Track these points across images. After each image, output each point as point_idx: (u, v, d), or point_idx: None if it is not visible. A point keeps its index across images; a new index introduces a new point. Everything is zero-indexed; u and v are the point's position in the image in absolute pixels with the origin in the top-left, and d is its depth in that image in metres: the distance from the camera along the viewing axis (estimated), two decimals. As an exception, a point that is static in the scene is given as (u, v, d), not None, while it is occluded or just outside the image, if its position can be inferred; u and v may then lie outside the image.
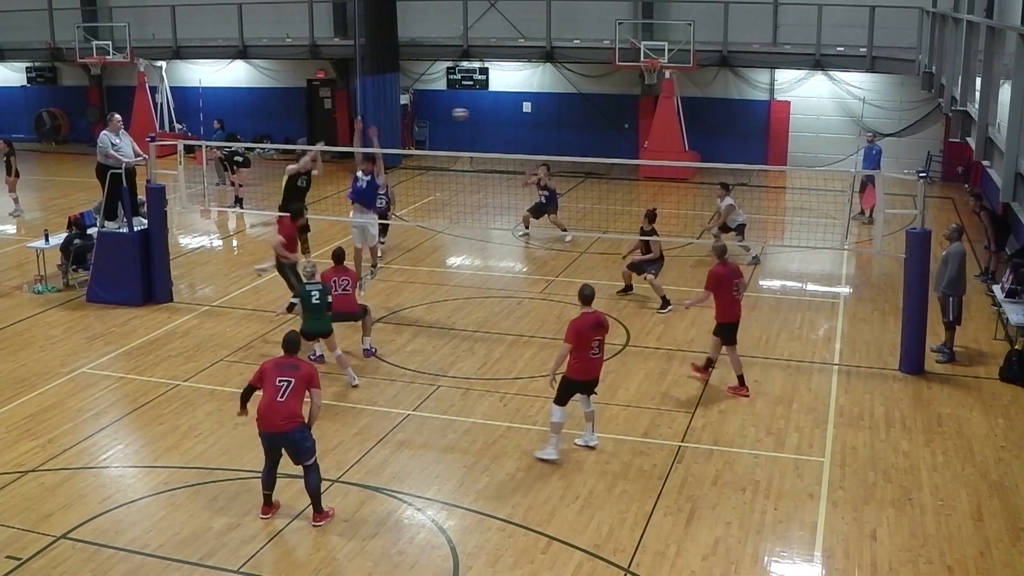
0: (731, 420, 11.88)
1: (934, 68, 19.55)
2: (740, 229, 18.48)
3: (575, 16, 29.02)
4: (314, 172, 16.78)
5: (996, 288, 15.04)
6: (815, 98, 27.79)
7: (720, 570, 8.85)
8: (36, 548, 9.12)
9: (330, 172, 27.79)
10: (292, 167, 16.55)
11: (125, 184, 16.01)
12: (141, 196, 16.47)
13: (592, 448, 11.06)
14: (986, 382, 13.00)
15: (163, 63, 30.83)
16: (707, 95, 28.48)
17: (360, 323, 13.82)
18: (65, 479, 10.45)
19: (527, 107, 30.10)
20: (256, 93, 32.41)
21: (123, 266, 16.06)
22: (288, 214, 15.07)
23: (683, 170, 26.11)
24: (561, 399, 10.72)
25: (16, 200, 22.67)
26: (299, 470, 9.51)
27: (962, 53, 14.70)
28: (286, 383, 9.24)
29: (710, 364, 13.01)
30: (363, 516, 9.73)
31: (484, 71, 30.60)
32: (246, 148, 25.21)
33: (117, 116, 16.77)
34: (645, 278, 15.98)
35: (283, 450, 9.42)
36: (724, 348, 12.78)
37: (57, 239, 17.40)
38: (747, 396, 12.51)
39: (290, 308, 13.07)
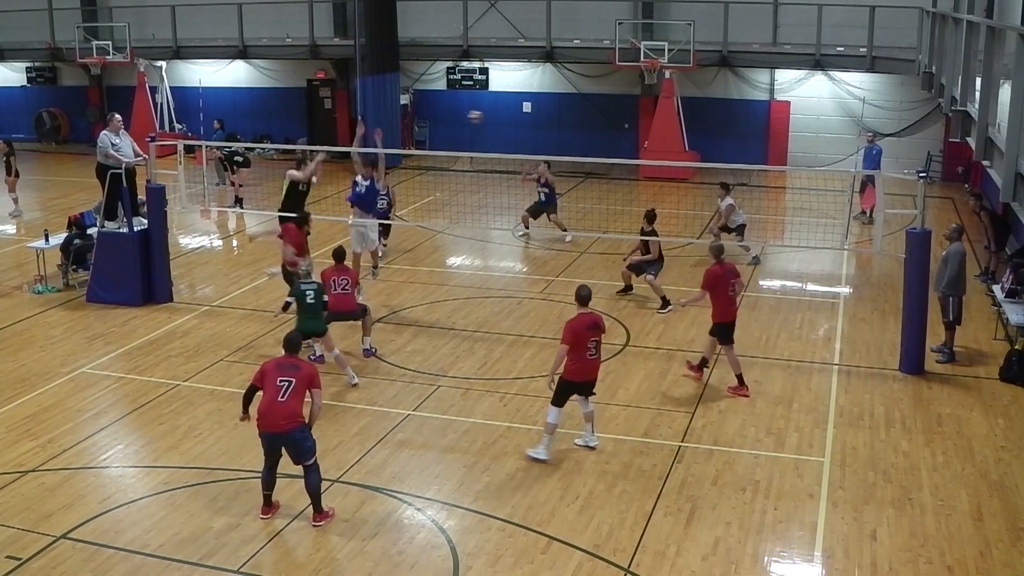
0: (731, 420, 11.88)
1: (934, 68, 19.55)
2: (740, 229, 18.48)
3: (575, 16, 29.02)
4: (313, 180, 16.65)
5: (996, 288, 15.04)
6: (815, 98, 27.79)
7: (720, 570, 8.85)
8: (36, 548, 9.12)
9: (330, 172, 27.81)
10: (295, 174, 16.32)
11: (125, 184, 16.01)
12: (141, 196, 16.47)
13: (592, 448, 11.06)
14: (986, 382, 13.01)
15: (163, 63, 30.83)
16: (707, 95, 28.49)
17: (360, 323, 13.83)
18: (65, 479, 10.45)
19: (527, 107, 30.10)
20: (256, 93, 32.41)
21: (123, 266, 16.06)
22: (293, 221, 14.94)
23: (683, 170, 26.11)
24: (558, 400, 10.72)
25: (16, 200, 22.68)
26: (299, 470, 9.51)
27: (962, 53, 14.70)
28: (287, 383, 9.25)
29: (704, 363, 13.03)
30: (363, 516, 9.73)
31: (484, 71, 30.60)
32: (246, 148, 25.21)
33: (117, 116, 16.76)
34: (645, 278, 15.98)
35: (283, 450, 9.42)
36: (721, 348, 12.79)
37: (57, 239, 17.40)
38: (747, 396, 12.51)
39: (285, 307, 13.07)
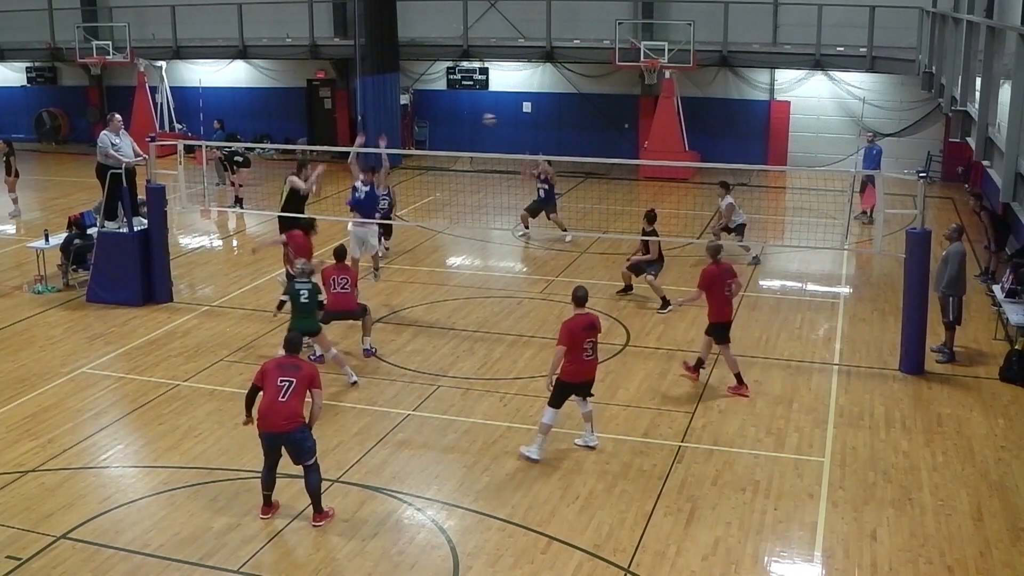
0: (731, 420, 11.88)
1: (934, 68, 19.55)
2: (740, 229, 18.48)
3: (575, 16, 29.02)
4: (313, 189, 16.51)
5: (996, 288, 15.04)
6: (815, 98, 27.79)
7: (720, 570, 8.85)
8: (36, 548, 9.12)
9: (330, 172, 27.69)
10: (297, 182, 16.03)
11: (125, 184, 16.01)
12: (141, 196, 16.47)
13: (592, 448, 11.06)
14: (986, 382, 13.01)
15: (163, 63, 30.84)
16: (707, 95, 28.49)
17: (360, 322, 13.83)
18: (65, 479, 10.45)
19: (527, 107, 30.11)
20: (256, 93, 32.42)
21: (123, 266, 16.06)
22: (299, 226, 14.81)
23: (683, 170, 26.12)
24: (555, 401, 10.72)
25: (15, 200, 22.67)
26: (299, 470, 9.51)
27: (962, 53, 14.70)
28: (288, 383, 9.24)
29: (700, 364, 13.03)
30: (363, 516, 9.73)
31: (484, 71, 30.61)
32: (246, 148, 25.22)
33: (117, 116, 16.76)
34: (645, 279, 15.98)
35: (283, 450, 9.42)
36: (717, 348, 12.79)
37: (57, 239, 17.40)
38: (747, 395, 12.52)
39: (280, 306, 13.06)
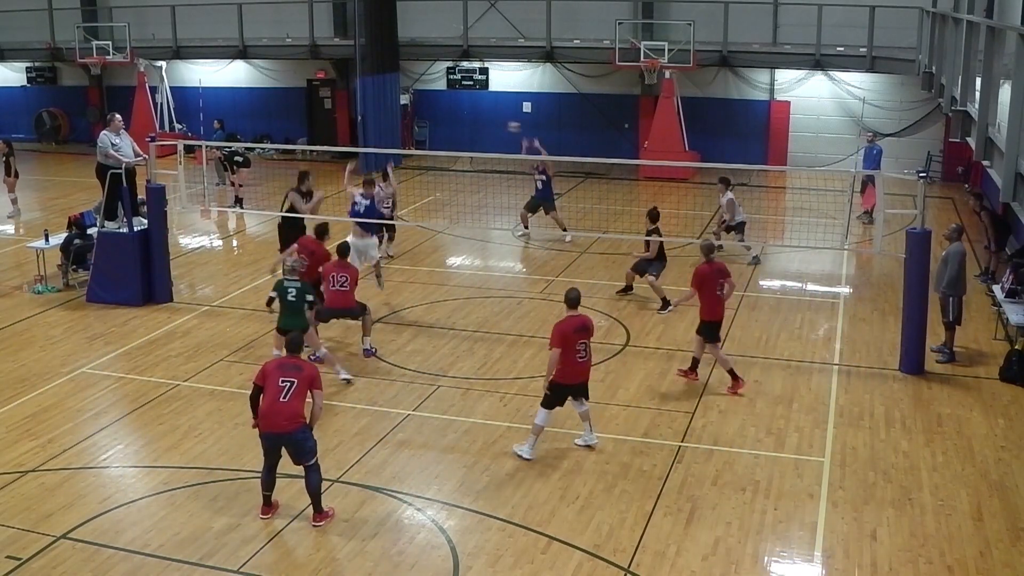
0: (731, 420, 11.88)
1: (934, 68, 19.55)
2: (740, 227, 18.49)
3: (575, 16, 29.02)
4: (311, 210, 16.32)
5: (996, 288, 15.04)
6: (815, 98, 27.80)
7: (720, 570, 8.85)
8: (36, 548, 9.12)
9: (329, 172, 27.86)
10: (298, 205, 15.79)
11: (125, 184, 16.01)
12: (141, 196, 16.47)
13: (592, 447, 11.06)
14: (986, 382, 13.01)
15: (163, 63, 30.85)
16: (707, 95, 28.49)
17: (359, 322, 13.82)
18: (65, 479, 10.45)
19: (527, 107, 30.10)
20: (256, 93, 32.42)
21: (123, 266, 16.06)
22: (315, 232, 14.52)
23: (683, 170, 26.12)
24: (548, 403, 10.72)
25: (15, 201, 22.66)
26: (299, 470, 9.51)
27: (962, 53, 14.70)
28: (289, 383, 9.24)
29: (695, 365, 13.03)
30: (363, 516, 9.73)
31: (484, 71, 30.61)
32: (246, 148, 25.22)
33: (118, 116, 16.77)
34: (646, 279, 15.97)
35: (283, 450, 9.42)
36: (707, 346, 12.80)
37: (57, 239, 17.39)
38: (740, 393, 12.55)
39: (269, 302, 13.04)
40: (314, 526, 9.47)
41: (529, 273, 18.46)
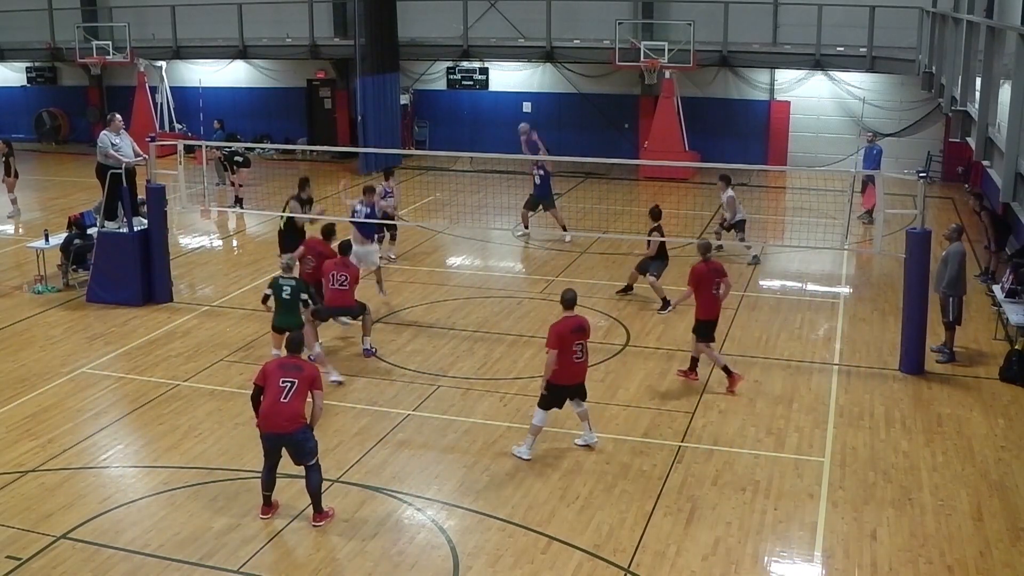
0: (731, 420, 11.88)
1: (934, 68, 19.55)
2: (740, 225, 18.49)
3: (575, 16, 29.02)
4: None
5: (996, 288, 15.04)
6: (815, 98, 27.79)
7: (720, 570, 8.85)
8: (36, 548, 9.12)
9: (329, 172, 27.89)
10: (297, 215, 15.74)
11: (125, 184, 16.01)
12: (141, 196, 16.47)
13: (592, 447, 11.06)
14: (986, 382, 13.01)
15: (163, 63, 30.84)
16: (707, 95, 28.49)
17: (358, 322, 13.81)
18: (65, 479, 10.45)
19: (527, 107, 30.10)
20: (256, 93, 32.42)
21: (123, 266, 16.06)
22: (321, 233, 14.52)
23: (683, 170, 26.12)
24: (545, 403, 10.72)
25: (14, 201, 22.66)
26: (299, 470, 9.51)
27: (962, 53, 14.70)
28: (289, 384, 9.24)
29: (695, 364, 13.04)
30: (363, 516, 9.73)
31: (484, 71, 30.61)
32: (246, 148, 25.22)
33: (118, 116, 16.77)
34: (647, 279, 15.97)
35: (283, 451, 9.42)
36: (699, 345, 12.81)
37: (57, 239, 17.39)
38: (739, 383, 12.61)
39: (265, 299, 13.03)
40: (314, 526, 9.47)
41: (529, 273, 18.45)
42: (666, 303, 15.58)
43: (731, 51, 27.07)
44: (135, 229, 16.00)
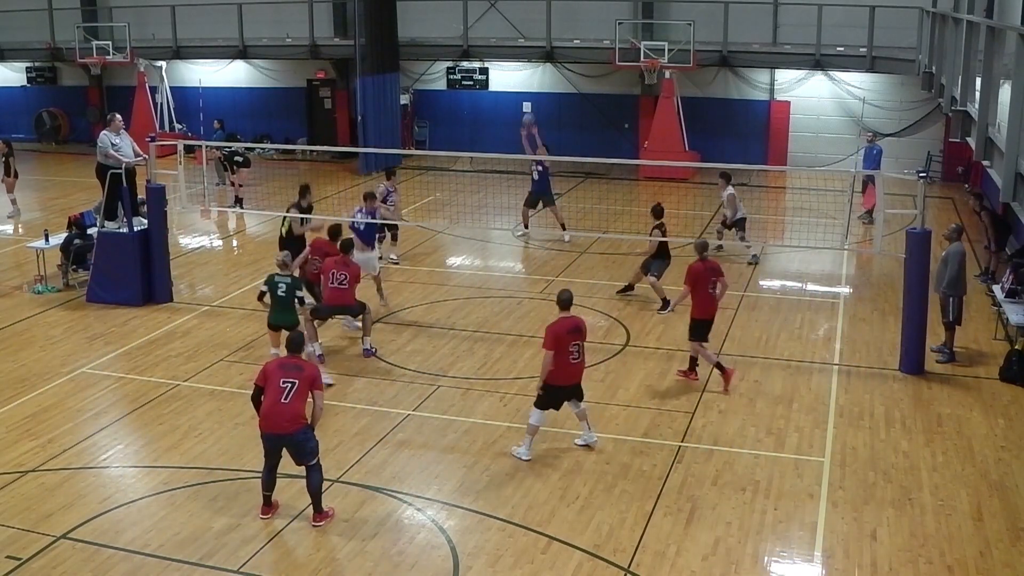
0: (731, 420, 11.88)
1: (934, 68, 19.56)
2: (740, 223, 18.50)
3: (575, 16, 29.02)
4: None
5: (996, 288, 15.04)
6: (815, 98, 27.79)
7: (720, 570, 8.85)
8: (36, 548, 9.12)
9: (328, 172, 27.90)
10: (296, 225, 15.59)
11: (125, 184, 16.01)
12: (141, 196, 16.47)
13: (591, 447, 11.05)
14: (986, 382, 13.01)
15: (163, 63, 30.84)
16: (707, 95, 28.48)
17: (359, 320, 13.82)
18: (65, 479, 10.45)
19: (527, 107, 30.10)
20: (256, 93, 32.41)
21: (123, 266, 16.06)
22: (328, 234, 14.55)
23: (683, 170, 26.12)
24: (542, 404, 10.72)
25: (14, 201, 22.65)
26: (299, 470, 9.51)
27: (962, 53, 14.71)
28: (290, 384, 9.23)
29: (694, 364, 13.04)
30: (363, 516, 9.73)
31: (484, 71, 30.60)
32: (246, 148, 25.21)
33: (118, 116, 16.77)
34: (647, 279, 15.96)
35: (284, 451, 9.42)
36: (691, 343, 12.81)
37: (57, 239, 17.39)
38: (733, 378, 12.67)
39: (261, 296, 13.04)
40: (314, 526, 9.48)
41: (529, 273, 18.45)
42: (666, 303, 15.57)
43: (731, 51, 27.07)
44: (135, 229, 16.00)
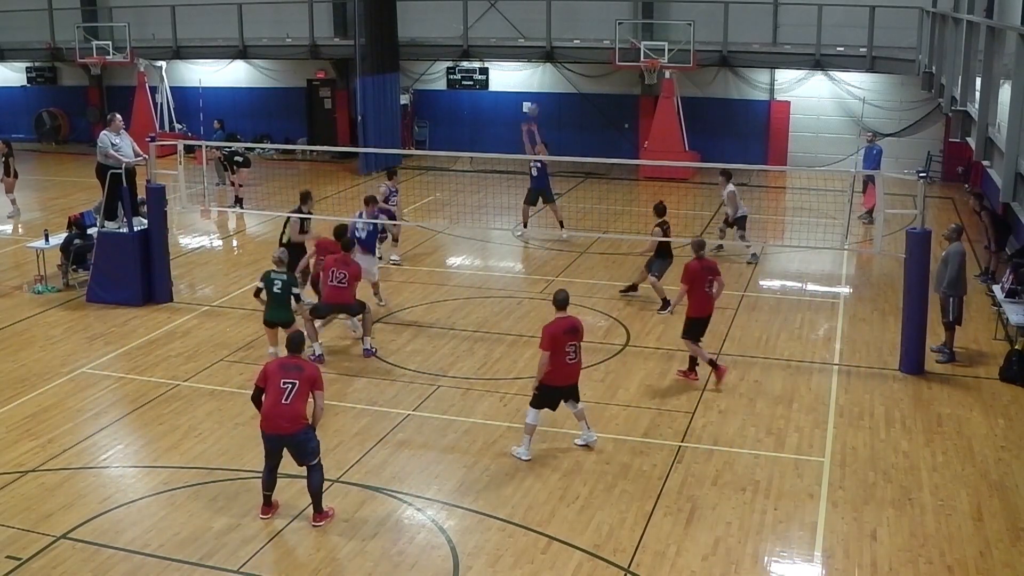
0: (731, 420, 11.88)
1: (934, 68, 19.56)
2: (741, 222, 18.50)
3: (575, 16, 29.02)
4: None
5: (996, 288, 15.04)
6: (815, 98, 27.79)
7: (720, 570, 8.85)
8: (36, 548, 9.12)
9: (328, 172, 27.90)
10: (295, 232, 15.47)
11: (125, 184, 16.01)
12: (141, 196, 16.47)
13: (591, 447, 11.05)
14: (986, 382, 13.01)
15: (163, 63, 30.83)
16: (707, 95, 28.49)
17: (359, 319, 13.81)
18: (65, 479, 10.45)
19: (527, 107, 30.04)
20: (256, 93, 32.41)
21: (123, 266, 16.06)
22: (334, 235, 14.46)
23: (683, 170, 26.12)
24: (537, 403, 10.73)
25: (13, 201, 22.64)
26: (299, 470, 9.52)
27: (962, 53, 14.71)
28: (291, 385, 9.23)
29: (694, 364, 13.04)
30: (363, 516, 9.73)
31: (484, 71, 30.60)
32: (246, 148, 25.21)
33: (118, 116, 16.77)
34: (648, 279, 15.96)
35: (285, 451, 9.42)
36: (685, 341, 12.82)
37: (57, 239, 17.40)
38: (725, 373, 12.76)
39: (257, 293, 13.02)
40: (314, 526, 9.48)
41: (529, 273, 18.45)
42: (666, 303, 15.57)
43: (731, 51, 27.07)
44: (135, 229, 16.00)
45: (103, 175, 16.30)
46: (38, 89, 34.97)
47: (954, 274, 13.50)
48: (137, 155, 16.51)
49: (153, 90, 30.78)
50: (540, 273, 18.19)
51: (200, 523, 9.55)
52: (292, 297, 12.72)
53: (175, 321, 15.43)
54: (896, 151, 25.76)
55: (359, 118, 27.57)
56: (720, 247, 18.78)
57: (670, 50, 26.67)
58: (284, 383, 9.24)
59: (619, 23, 26.98)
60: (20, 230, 21.55)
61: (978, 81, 13.04)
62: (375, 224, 15.86)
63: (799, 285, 17.49)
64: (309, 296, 14.47)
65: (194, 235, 21.45)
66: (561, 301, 10.74)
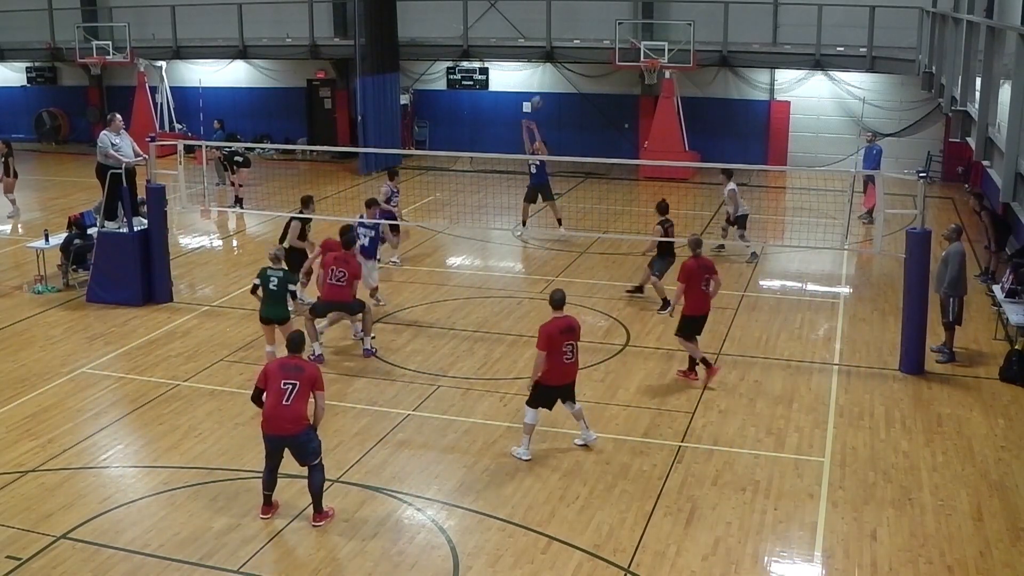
0: (731, 420, 11.88)
1: (934, 68, 19.56)
2: (742, 221, 18.49)
3: (575, 16, 29.02)
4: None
5: (996, 288, 15.04)
6: (815, 98, 27.79)
7: (720, 570, 8.85)
8: (36, 548, 9.12)
9: (328, 172, 27.90)
10: (294, 237, 15.42)
11: (125, 184, 16.01)
12: (141, 196, 16.47)
13: (591, 447, 11.05)
14: (986, 382, 13.00)
15: (163, 63, 30.84)
16: (707, 95, 28.49)
17: (358, 318, 13.80)
18: (65, 479, 10.45)
19: (527, 107, 30.06)
20: (256, 93, 32.42)
21: (123, 266, 16.06)
22: (339, 236, 14.38)
23: (683, 170, 26.12)
24: (534, 402, 10.73)
25: (13, 202, 22.64)
26: (299, 470, 9.52)
27: (962, 53, 14.71)
28: (291, 386, 9.22)
29: (693, 364, 13.04)
30: (363, 516, 9.73)
31: (484, 71, 30.60)
32: (246, 148, 25.21)
33: (118, 116, 16.77)
34: (649, 278, 15.96)
35: (285, 451, 9.42)
36: (680, 339, 12.82)
37: (57, 239, 17.40)
38: (716, 374, 12.81)
39: (254, 290, 12.99)
40: (314, 526, 9.47)
41: (529, 273, 18.45)
42: (666, 303, 15.55)
43: (731, 51, 27.07)
44: (135, 229, 16.00)
45: (103, 175, 16.30)
46: (38, 89, 34.97)
47: (954, 274, 13.50)
48: (137, 155, 16.51)
49: (153, 90, 30.79)
50: (540, 273, 18.19)
51: (200, 523, 9.55)
52: (288, 294, 12.70)
53: (175, 321, 15.43)
54: (896, 151, 25.76)
55: (359, 118, 27.57)
56: (721, 247, 18.78)
57: (670, 50, 26.67)
58: (285, 384, 9.23)
59: (619, 23, 26.99)
60: (20, 230, 21.55)
61: (978, 81, 13.04)
62: (377, 231, 15.80)
63: (799, 285, 17.49)
64: (312, 296, 14.47)
65: (194, 235, 21.45)
66: (558, 301, 10.74)
